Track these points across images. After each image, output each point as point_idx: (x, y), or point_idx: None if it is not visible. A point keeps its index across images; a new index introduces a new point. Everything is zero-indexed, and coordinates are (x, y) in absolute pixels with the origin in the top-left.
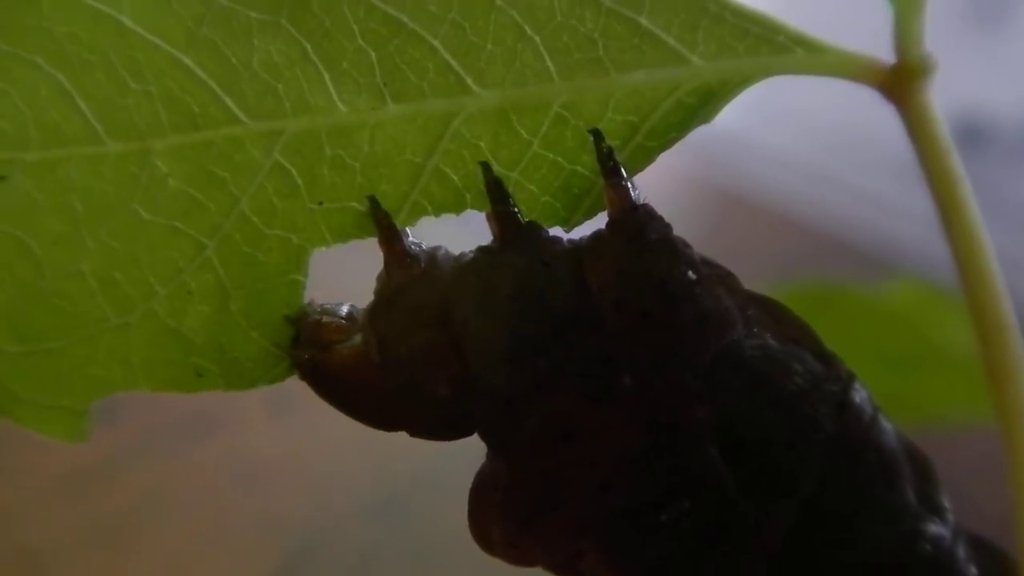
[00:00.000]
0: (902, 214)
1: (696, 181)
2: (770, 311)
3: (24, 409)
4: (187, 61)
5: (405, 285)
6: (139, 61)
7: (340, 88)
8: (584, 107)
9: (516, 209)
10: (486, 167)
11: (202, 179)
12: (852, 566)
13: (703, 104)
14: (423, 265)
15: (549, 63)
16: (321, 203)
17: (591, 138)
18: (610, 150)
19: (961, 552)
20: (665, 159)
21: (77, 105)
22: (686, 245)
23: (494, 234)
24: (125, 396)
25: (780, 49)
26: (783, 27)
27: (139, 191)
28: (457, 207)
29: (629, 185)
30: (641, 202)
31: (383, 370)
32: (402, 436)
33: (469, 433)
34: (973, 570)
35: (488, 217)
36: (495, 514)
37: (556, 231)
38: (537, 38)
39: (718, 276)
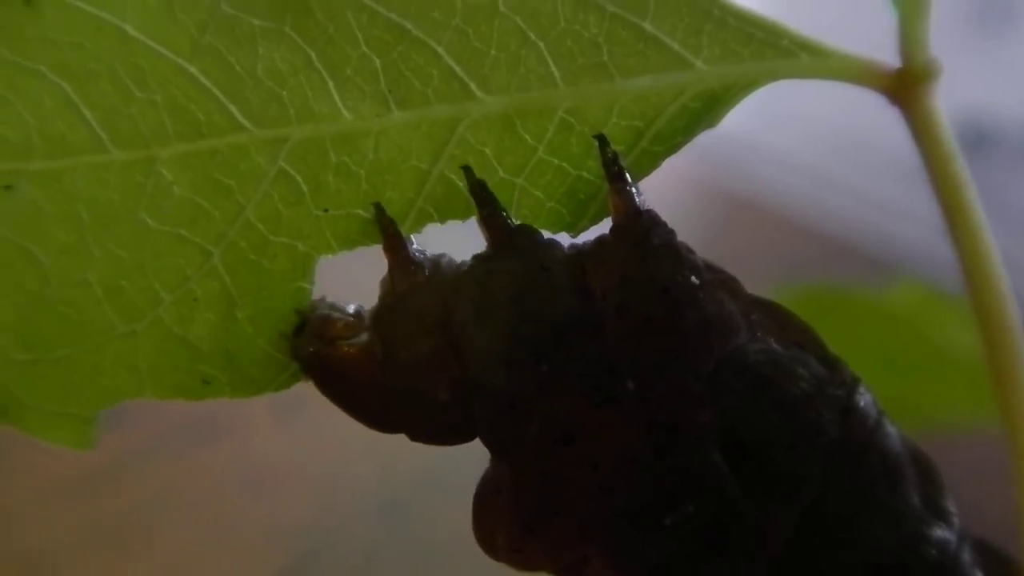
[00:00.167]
0: (906, 217)
1: (700, 184)
2: (774, 315)
3: (32, 417)
4: (191, 69)
5: (408, 291)
6: (143, 69)
7: (344, 95)
8: (589, 112)
9: (505, 213)
10: (468, 171)
11: (208, 187)
12: (852, 566)
13: (708, 109)
14: (427, 272)
15: (553, 68)
16: (326, 210)
17: (596, 143)
18: (615, 155)
19: (966, 556)
20: (669, 162)
21: (82, 114)
22: (689, 250)
23: (486, 240)
24: (131, 400)
25: (785, 53)
26: (787, 31)
27: (145, 199)
28: (463, 213)
29: (634, 190)
30: (645, 207)
31: (386, 370)
32: (407, 439)
33: (470, 438)
34: (979, 574)
35: (478, 223)
36: (499, 519)
37: (560, 237)
38: (541, 43)
39: (721, 281)
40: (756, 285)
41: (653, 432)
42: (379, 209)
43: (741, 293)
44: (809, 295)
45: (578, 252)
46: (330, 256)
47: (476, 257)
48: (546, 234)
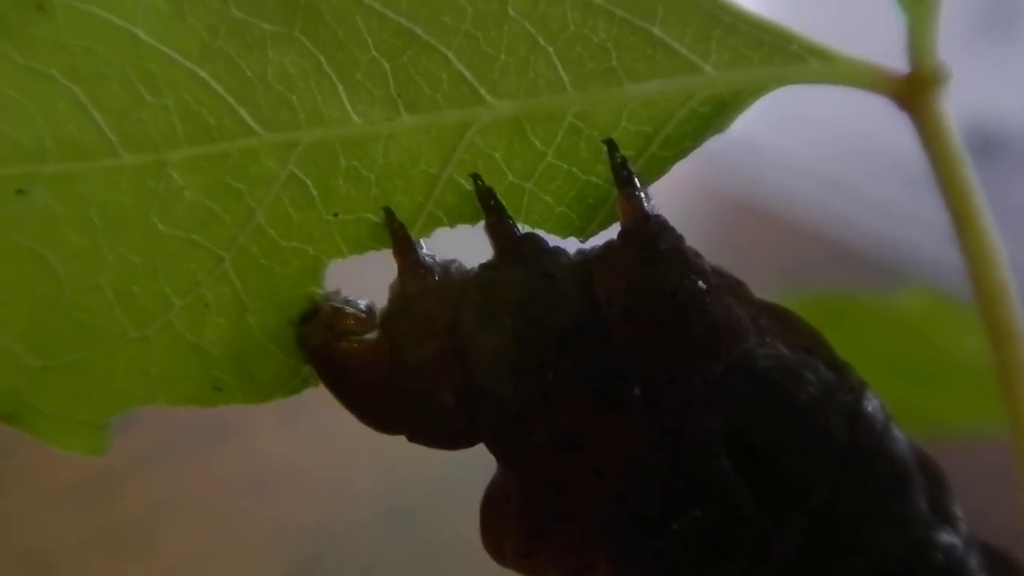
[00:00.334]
0: (914, 222)
1: (708, 188)
2: (782, 320)
3: (44, 423)
4: (202, 73)
5: (417, 295)
6: (154, 74)
7: (354, 99)
8: (598, 117)
9: (512, 220)
10: (476, 178)
11: (218, 191)
12: (860, 572)
13: (717, 114)
14: (436, 277)
15: (562, 73)
16: (336, 214)
17: (605, 148)
18: (624, 160)
19: (973, 561)
20: (676, 166)
21: (93, 118)
22: (697, 255)
23: (492, 247)
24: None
25: (793, 58)
26: (796, 36)
27: (156, 203)
28: (472, 218)
29: (642, 195)
30: (654, 212)
31: (392, 369)
32: (413, 444)
33: (473, 443)
34: None
35: (485, 230)
36: (506, 525)
37: (566, 242)
38: (550, 48)
39: (729, 286)
40: (763, 290)
41: (660, 437)
42: (389, 213)
43: (748, 297)
44: (816, 300)
45: (585, 258)
46: (340, 260)
47: (482, 265)
48: (555, 239)
